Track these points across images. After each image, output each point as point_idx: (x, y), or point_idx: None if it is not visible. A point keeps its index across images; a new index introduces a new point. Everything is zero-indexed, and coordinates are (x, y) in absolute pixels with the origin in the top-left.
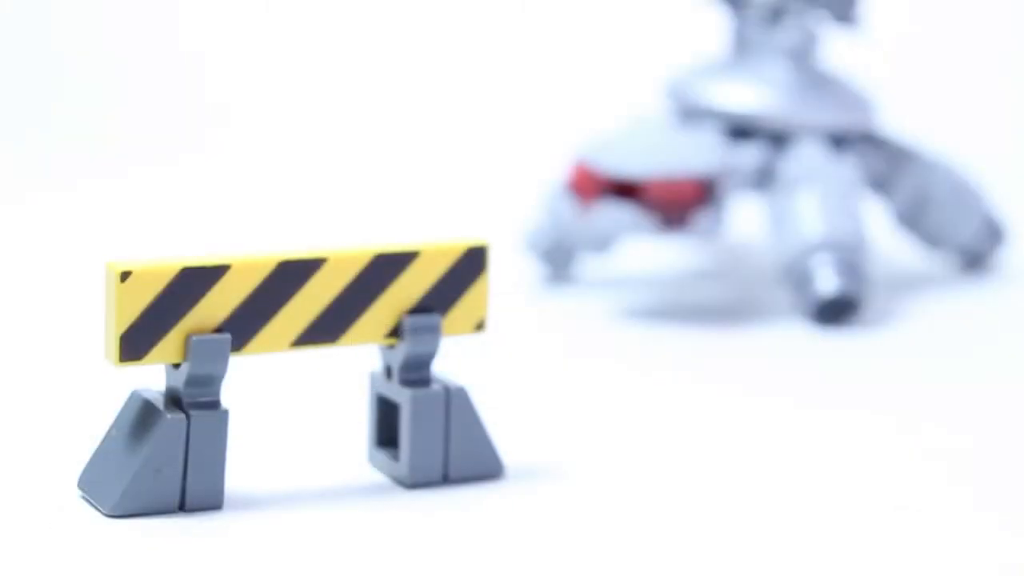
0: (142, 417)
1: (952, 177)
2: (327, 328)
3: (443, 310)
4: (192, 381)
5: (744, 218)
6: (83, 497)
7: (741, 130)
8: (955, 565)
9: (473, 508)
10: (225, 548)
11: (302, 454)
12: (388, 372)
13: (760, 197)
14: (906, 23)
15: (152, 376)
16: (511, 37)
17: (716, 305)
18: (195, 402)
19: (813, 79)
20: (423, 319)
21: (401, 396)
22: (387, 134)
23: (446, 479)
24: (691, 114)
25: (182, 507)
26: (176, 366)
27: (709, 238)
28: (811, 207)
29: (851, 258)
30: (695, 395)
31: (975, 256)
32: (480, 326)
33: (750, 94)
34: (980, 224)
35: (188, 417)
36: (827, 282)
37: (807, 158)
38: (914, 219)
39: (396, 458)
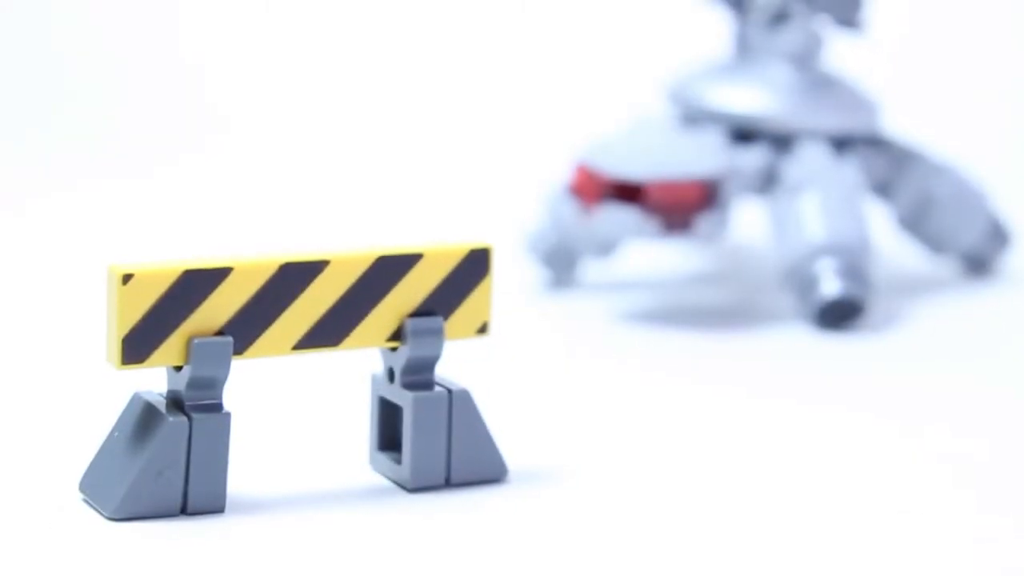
0: (144, 420)
1: (956, 180)
2: (329, 331)
3: (446, 313)
4: (194, 384)
5: (747, 221)
6: (84, 500)
7: (744, 133)
8: (959, 569)
9: (476, 511)
10: (227, 551)
11: (304, 457)
12: (390, 375)
13: (763, 200)
14: (909, 26)
15: (154, 379)
16: (512, 39)
17: (719, 308)
18: (197, 405)
19: (816, 82)
20: (425, 322)
21: (403, 399)
22: (389, 137)
23: (448, 482)
24: (694, 117)
25: (184, 510)
26: (178, 369)
27: (712, 241)
28: (814, 210)
29: (854, 261)
30: (698, 398)
31: (979, 260)
32: (483, 329)
33: (753, 97)
34: (984, 227)
35: (190, 420)
36: (830, 285)
37: (810, 161)
38: (917, 222)
39: (398, 461)
